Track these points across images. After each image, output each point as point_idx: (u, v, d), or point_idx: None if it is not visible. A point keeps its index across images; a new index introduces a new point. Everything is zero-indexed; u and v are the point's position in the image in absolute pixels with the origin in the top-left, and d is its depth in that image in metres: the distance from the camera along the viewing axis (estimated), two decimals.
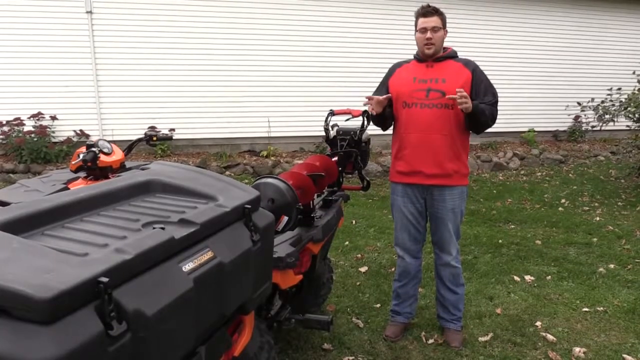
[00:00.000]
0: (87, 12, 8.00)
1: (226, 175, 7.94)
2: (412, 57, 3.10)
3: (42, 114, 7.77)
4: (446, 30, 2.90)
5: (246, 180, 7.74)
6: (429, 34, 2.83)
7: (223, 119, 8.59)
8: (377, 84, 3.19)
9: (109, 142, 3.31)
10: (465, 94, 2.70)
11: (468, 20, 9.81)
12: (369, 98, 2.92)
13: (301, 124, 8.74)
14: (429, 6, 2.90)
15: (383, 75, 3.16)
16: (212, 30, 8.42)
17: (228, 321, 1.71)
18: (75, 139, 7.88)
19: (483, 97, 2.86)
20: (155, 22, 8.20)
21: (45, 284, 0.98)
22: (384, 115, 2.97)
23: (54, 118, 7.82)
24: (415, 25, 2.93)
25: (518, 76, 10.39)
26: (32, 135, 7.57)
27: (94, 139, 8.10)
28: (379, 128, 3.19)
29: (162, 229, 1.35)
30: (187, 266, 1.32)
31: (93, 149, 2.97)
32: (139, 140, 3.48)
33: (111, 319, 1.05)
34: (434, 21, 2.85)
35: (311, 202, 2.52)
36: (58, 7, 7.87)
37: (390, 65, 3.17)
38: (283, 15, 8.71)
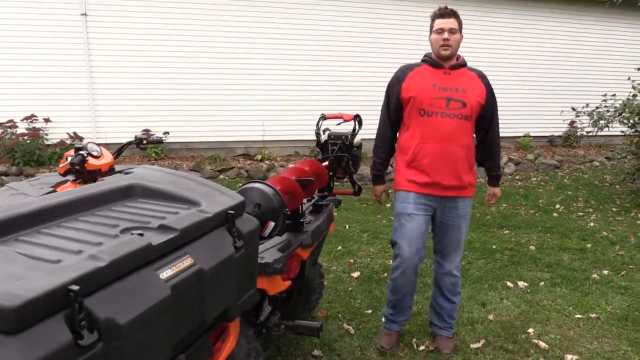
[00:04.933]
0: (81, 14, 7.97)
1: (220, 179, 7.91)
2: (419, 61, 2.97)
3: (36, 116, 7.73)
4: (462, 35, 2.83)
5: (240, 184, 7.71)
6: (446, 35, 2.73)
7: (217, 122, 8.57)
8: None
9: (99, 145, 3.28)
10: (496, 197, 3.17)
11: (464, 26, 9.81)
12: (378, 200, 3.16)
13: (296, 127, 8.72)
14: (446, 7, 2.82)
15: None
16: (206, 33, 8.40)
17: (210, 328, 1.68)
18: (68, 142, 7.83)
19: (491, 119, 2.96)
20: (150, 25, 8.19)
21: (12, 292, 0.95)
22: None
23: (47, 120, 7.79)
24: (431, 27, 2.83)
25: (514, 81, 10.40)
26: (25, 137, 7.53)
27: (86, 141, 8.11)
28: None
29: (141, 235, 1.32)
30: (165, 273, 1.29)
31: (81, 152, 2.94)
32: (129, 143, 3.45)
33: (82, 328, 1.02)
34: (451, 23, 2.76)
35: (300, 207, 2.49)
36: (53, 9, 7.85)
37: (389, 70, 3.09)
38: (277, 20, 8.70)
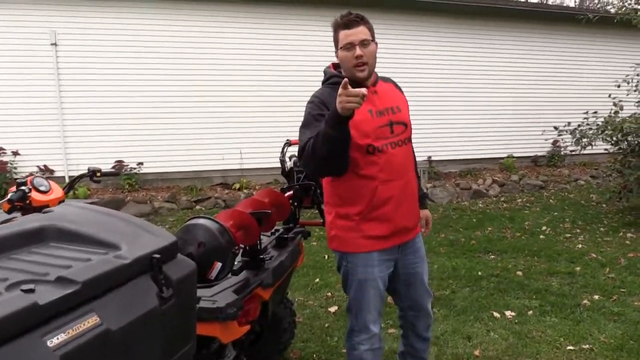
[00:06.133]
0: (52, 44, 7.79)
1: (197, 209, 7.65)
2: (323, 78, 2.35)
3: (3, 149, 7.47)
4: (376, 42, 2.21)
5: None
6: (358, 51, 2.11)
7: (194, 151, 8.35)
8: None
9: (47, 178, 3.04)
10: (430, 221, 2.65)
11: (442, 46, 9.77)
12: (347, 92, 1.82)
13: (274, 155, 8.45)
14: (350, 14, 2.16)
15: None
16: (180, 62, 8.25)
17: None
18: (38, 175, 7.55)
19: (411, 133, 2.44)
20: (122, 54, 8.01)
21: None
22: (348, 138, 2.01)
23: (15, 153, 7.52)
24: (336, 41, 2.20)
25: (495, 103, 10.34)
26: None
27: (59, 173, 7.84)
28: (328, 170, 2.19)
29: (31, 291, 1.08)
30: (55, 340, 1.04)
31: (23, 187, 2.69)
32: (82, 176, 3.21)
33: None
34: (361, 32, 2.12)
35: (259, 243, 2.25)
36: (22, 39, 7.67)
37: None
38: (254, 47, 8.58)
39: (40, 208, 2.76)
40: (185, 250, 1.79)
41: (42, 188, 2.97)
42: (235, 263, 2.13)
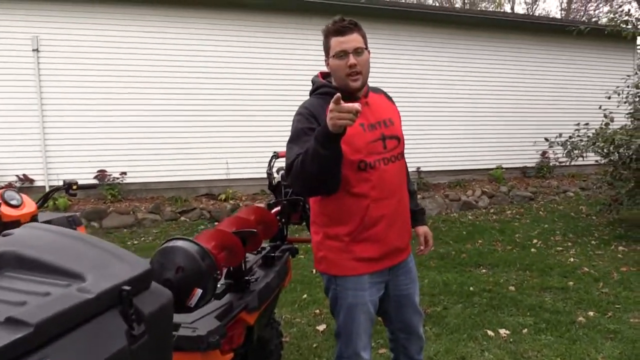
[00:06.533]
0: (33, 50, 7.59)
1: (181, 220, 7.46)
2: (319, 92, 2.16)
3: None
4: (369, 50, 2.08)
5: (202, 226, 7.27)
6: (352, 59, 1.97)
7: (179, 161, 8.16)
8: None
9: (19, 192, 2.87)
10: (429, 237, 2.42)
11: (432, 56, 9.72)
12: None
13: (262, 165, 8.29)
14: (343, 19, 2.01)
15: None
16: (165, 69, 8.09)
17: None
18: (18, 185, 7.32)
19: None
20: (106, 62, 7.84)
21: None
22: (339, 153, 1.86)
23: None
24: (327, 49, 2.05)
25: (484, 113, 10.31)
26: None
27: (39, 183, 7.62)
28: (318, 188, 2.03)
29: None
30: None
31: None
32: (56, 189, 3.05)
33: None
34: (354, 40, 1.98)
35: (243, 264, 2.10)
36: (2, 44, 7.45)
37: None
38: (241, 56, 8.45)
39: (11, 223, 2.60)
40: (162, 275, 1.63)
41: (13, 202, 2.81)
42: (218, 286, 1.98)
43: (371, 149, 2.04)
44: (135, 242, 6.69)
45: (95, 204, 7.56)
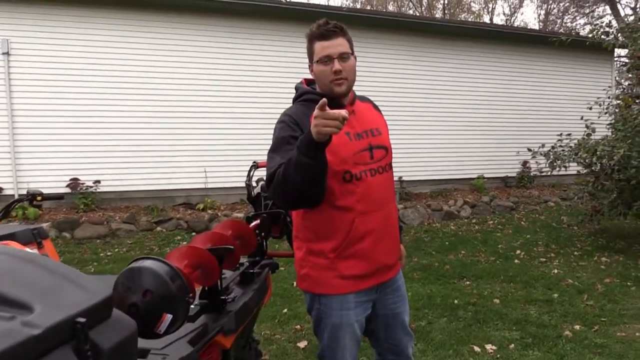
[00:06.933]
0: (3, 53, 7.33)
1: (157, 231, 7.23)
2: (295, 94, 2.08)
3: None
4: (355, 56, 1.97)
5: (178, 237, 7.05)
6: (337, 65, 1.87)
7: (155, 169, 7.94)
8: None
9: None
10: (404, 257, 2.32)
11: (413, 65, 9.68)
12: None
13: (241, 174, 8.13)
14: (327, 22, 1.89)
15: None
16: (142, 75, 7.88)
17: None
18: None
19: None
20: (79, 66, 7.60)
21: None
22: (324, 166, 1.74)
23: None
24: (310, 54, 1.94)
25: (466, 122, 10.30)
26: None
27: (8, 192, 7.33)
28: (301, 201, 1.88)
29: None
30: None
31: None
32: (18, 201, 2.85)
33: None
34: (339, 44, 1.88)
35: (219, 282, 1.94)
36: None
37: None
38: (220, 62, 8.30)
39: None
40: (127, 300, 1.47)
41: None
42: (192, 307, 1.81)
43: (358, 160, 1.92)
44: (109, 253, 6.45)
45: (67, 213, 7.29)
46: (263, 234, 2.47)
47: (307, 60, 2.01)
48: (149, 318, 1.49)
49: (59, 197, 2.99)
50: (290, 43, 8.36)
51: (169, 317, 1.50)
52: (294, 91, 2.11)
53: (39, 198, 2.79)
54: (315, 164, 1.66)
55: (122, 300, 1.48)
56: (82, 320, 1.06)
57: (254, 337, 2.79)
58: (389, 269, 2.08)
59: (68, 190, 7.39)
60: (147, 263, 1.51)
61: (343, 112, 1.55)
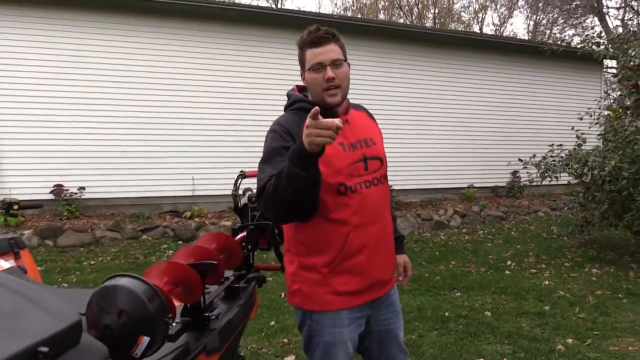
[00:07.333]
0: None
1: (143, 239, 7.08)
2: (287, 102, 2.01)
3: None
4: (349, 63, 1.89)
5: (165, 245, 6.91)
6: (329, 72, 1.79)
7: (141, 175, 7.80)
8: None
9: None
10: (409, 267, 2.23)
11: (403, 74, 9.65)
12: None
13: (228, 181, 8.02)
14: (318, 29, 1.82)
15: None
16: (127, 79, 7.76)
17: None
18: None
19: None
20: (63, 70, 7.47)
21: None
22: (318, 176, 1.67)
23: None
24: (302, 61, 1.87)
25: (456, 132, 10.29)
26: None
27: None
28: (293, 215, 1.80)
29: None
30: None
31: None
32: None
33: None
34: (332, 50, 1.80)
35: (202, 299, 1.83)
36: None
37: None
38: (207, 69, 8.20)
39: None
40: (101, 321, 1.36)
41: None
42: (174, 325, 1.71)
43: (352, 171, 1.84)
44: (92, 262, 6.30)
45: (50, 220, 7.13)
46: (250, 246, 2.37)
47: (299, 68, 1.93)
48: (124, 341, 1.38)
49: (36, 205, 2.87)
50: (281, 50, 8.29)
51: (146, 339, 1.39)
52: (285, 98, 2.03)
53: (15, 207, 2.67)
54: (307, 176, 1.59)
55: (96, 321, 1.37)
56: (44, 349, 0.96)
57: (239, 353, 2.68)
58: (384, 284, 2.00)
59: (52, 196, 7.23)
60: (123, 281, 1.41)
61: (337, 121, 1.48)
